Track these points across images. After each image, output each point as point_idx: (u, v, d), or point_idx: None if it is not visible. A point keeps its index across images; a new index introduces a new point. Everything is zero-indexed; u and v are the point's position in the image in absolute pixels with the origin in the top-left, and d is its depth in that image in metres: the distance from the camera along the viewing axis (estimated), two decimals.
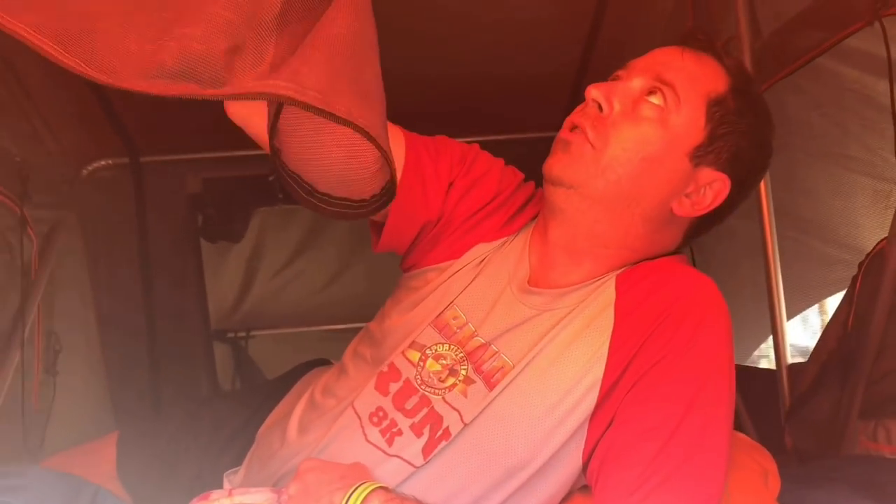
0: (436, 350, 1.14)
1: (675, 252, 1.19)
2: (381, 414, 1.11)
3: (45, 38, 0.70)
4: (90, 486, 1.07)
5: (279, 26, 0.80)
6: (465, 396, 1.09)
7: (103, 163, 2.29)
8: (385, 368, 1.15)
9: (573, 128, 1.12)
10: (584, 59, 2.08)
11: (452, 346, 1.14)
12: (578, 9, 1.92)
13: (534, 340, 1.10)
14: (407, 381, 1.13)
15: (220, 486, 1.24)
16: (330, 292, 3.00)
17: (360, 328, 1.34)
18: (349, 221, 2.58)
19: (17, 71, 1.73)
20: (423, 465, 1.07)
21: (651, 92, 1.11)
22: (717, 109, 1.10)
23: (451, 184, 1.25)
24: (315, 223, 2.88)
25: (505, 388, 1.08)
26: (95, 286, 2.26)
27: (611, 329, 1.07)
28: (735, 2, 1.64)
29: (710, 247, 2.07)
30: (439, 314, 1.17)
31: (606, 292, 1.11)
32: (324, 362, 1.48)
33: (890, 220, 1.38)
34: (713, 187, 1.12)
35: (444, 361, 1.13)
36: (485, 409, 1.07)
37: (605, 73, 1.21)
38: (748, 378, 1.69)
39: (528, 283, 1.16)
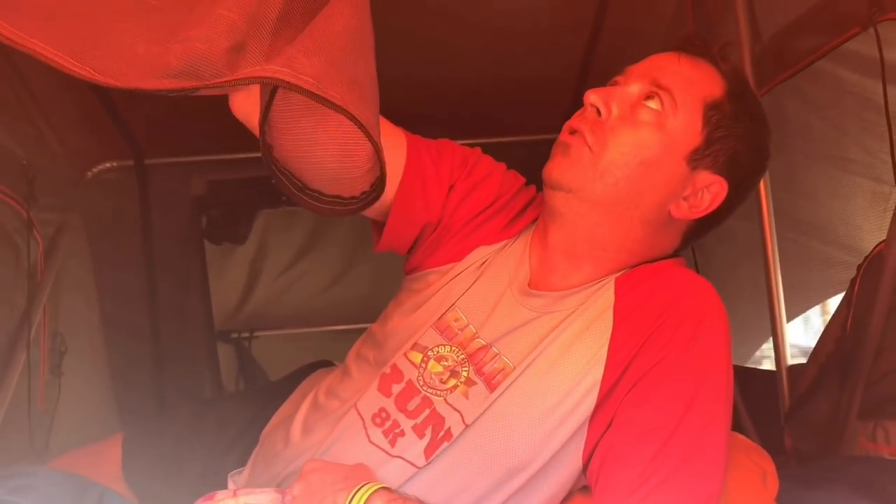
0: (437, 352, 1.15)
1: (674, 255, 1.21)
2: (383, 415, 1.12)
3: (61, 52, 0.72)
4: (97, 487, 1.08)
5: (280, 27, 0.82)
6: (467, 398, 1.10)
7: (108, 165, 2.30)
8: (387, 370, 1.17)
9: (572, 132, 1.13)
10: (585, 62, 2.09)
11: (454, 348, 1.15)
12: (579, 14, 1.93)
13: (534, 342, 1.11)
14: (409, 382, 1.14)
15: (225, 487, 1.25)
16: (333, 293, 3.00)
17: (363, 329, 1.35)
18: (354, 222, 2.59)
19: (23, 74, 1.74)
20: (425, 466, 1.08)
21: (648, 97, 1.12)
22: (713, 113, 1.11)
23: (451, 186, 1.26)
24: (318, 225, 2.89)
25: (506, 389, 1.09)
26: (100, 287, 2.27)
27: (610, 331, 1.08)
28: (735, 6, 1.65)
29: (711, 248, 2.08)
30: (441, 316, 1.18)
31: (606, 295, 1.12)
32: (327, 364, 1.49)
33: (888, 223, 1.39)
34: (711, 190, 1.13)
35: (445, 363, 1.14)
36: (486, 410, 1.08)
37: (606, 76, 1.22)
38: (748, 379, 1.70)
39: (529, 285, 1.17)
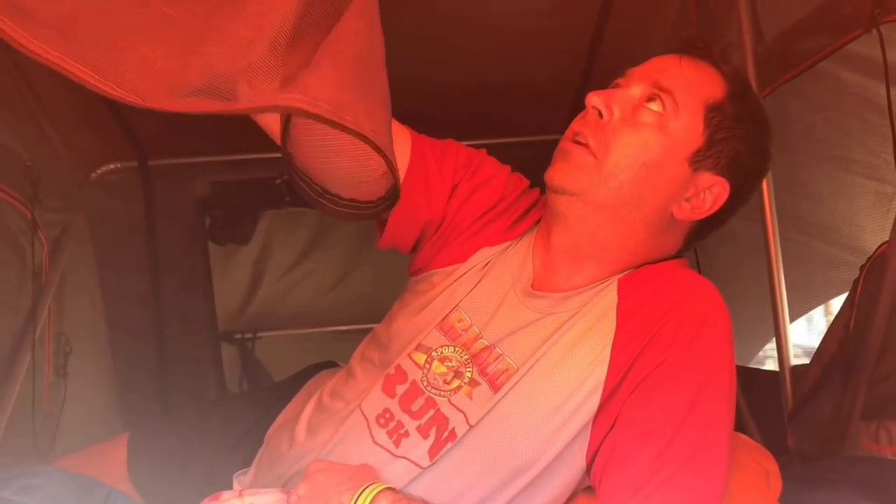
0: (441, 352, 1.16)
1: (677, 256, 1.21)
2: (387, 415, 1.13)
3: (83, 66, 0.73)
4: (103, 487, 1.08)
5: (293, 41, 0.83)
6: (471, 398, 1.11)
7: (112, 166, 2.31)
8: (392, 371, 1.17)
9: (575, 136, 1.14)
10: (587, 64, 2.10)
11: (458, 349, 1.16)
12: (582, 15, 1.93)
13: (538, 343, 1.11)
14: (413, 382, 1.15)
15: (230, 487, 1.25)
16: (337, 294, 3.01)
17: (366, 329, 1.36)
18: (356, 222, 2.60)
19: (28, 75, 1.75)
20: (429, 467, 1.08)
21: (650, 99, 1.12)
22: (714, 115, 1.12)
23: (455, 186, 1.26)
24: (322, 225, 2.90)
25: (510, 390, 1.09)
26: (104, 288, 2.28)
27: (613, 332, 1.09)
28: (737, 8, 1.65)
29: (713, 249, 2.08)
30: (445, 317, 1.19)
31: (609, 296, 1.13)
32: (331, 364, 1.50)
33: (891, 223, 1.39)
34: (713, 191, 1.13)
35: (449, 363, 1.15)
36: (490, 410, 1.09)
37: (608, 78, 1.22)
38: (751, 379, 1.70)
39: (532, 286, 1.18)
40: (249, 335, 2.96)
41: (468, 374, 1.13)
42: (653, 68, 1.16)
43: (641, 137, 1.10)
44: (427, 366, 1.15)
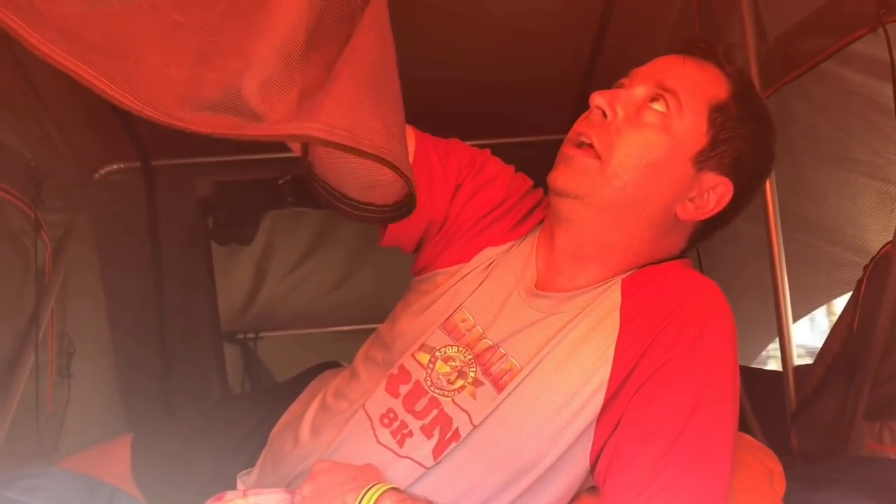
0: (445, 352, 1.16)
1: (680, 256, 1.21)
2: (391, 415, 1.13)
3: (99, 74, 0.73)
4: (107, 487, 1.08)
5: (306, 53, 0.84)
6: (474, 398, 1.11)
7: (115, 167, 2.31)
8: (395, 371, 1.17)
9: (579, 137, 1.14)
10: (590, 63, 2.10)
11: (461, 349, 1.16)
12: (585, 15, 1.93)
13: (541, 343, 1.11)
14: (417, 382, 1.15)
15: (234, 487, 1.26)
16: (339, 294, 3.01)
17: (368, 329, 1.36)
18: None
19: (31, 76, 1.75)
20: (433, 466, 1.09)
21: (654, 99, 1.12)
22: (718, 115, 1.12)
23: (458, 186, 1.26)
24: (324, 226, 2.90)
25: (513, 390, 1.09)
26: (107, 288, 2.28)
27: (617, 332, 1.09)
28: (740, 7, 1.65)
29: (716, 249, 2.08)
30: (448, 317, 1.19)
31: (612, 296, 1.13)
32: (335, 364, 1.50)
33: (895, 224, 1.39)
34: (716, 191, 1.13)
35: (453, 363, 1.15)
36: (493, 410, 1.09)
37: (611, 77, 1.22)
38: (754, 379, 1.71)
39: (536, 286, 1.18)
40: (252, 335, 2.96)
41: (472, 374, 1.13)
42: (656, 68, 1.16)
43: (645, 137, 1.10)
44: (431, 366, 1.15)
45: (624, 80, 1.18)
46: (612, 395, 1.06)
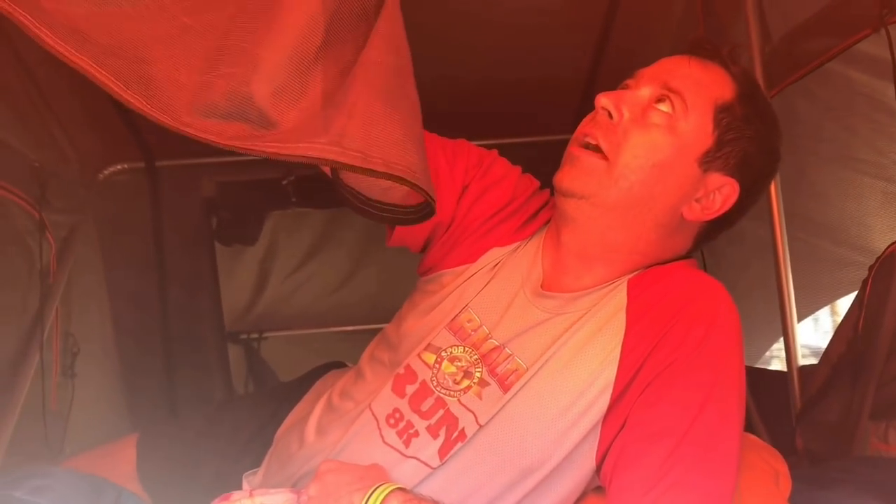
0: (451, 352, 1.16)
1: (686, 256, 1.21)
2: (397, 415, 1.13)
3: (113, 77, 0.73)
4: (113, 487, 1.09)
5: (319, 56, 0.84)
6: (480, 398, 1.11)
7: (119, 167, 2.31)
8: (401, 370, 1.17)
9: (585, 138, 1.14)
10: (594, 63, 2.10)
11: (467, 349, 1.16)
12: (589, 14, 1.93)
13: (547, 343, 1.11)
14: (423, 382, 1.15)
15: (240, 488, 1.26)
16: (342, 294, 3.01)
17: (372, 329, 1.36)
18: (355, 222, 2.59)
19: (36, 77, 1.76)
20: (439, 467, 1.09)
21: (659, 99, 1.12)
22: (724, 116, 1.12)
23: (465, 187, 1.26)
24: (327, 226, 2.90)
25: (519, 390, 1.09)
26: (111, 289, 2.28)
27: (623, 332, 1.09)
28: (745, 7, 1.65)
29: (721, 249, 2.07)
30: (454, 317, 1.19)
31: (618, 296, 1.13)
32: (339, 365, 1.50)
33: None
34: (722, 192, 1.13)
35: (459, 363, 1.15)
36: (499, 410, 1.09)
37: (615, 77, 1.23)
38: (759, 380, 1.70)
39: (542, 287, 1.18)
40: (255, 335, 2.97)
41: (478, 375, 1.13)
42: (662, 69, 1.16)
43: (651, 138, 1.10)
44: (437, 366, 1.15)
45: (629, 81, 1.18)
46: (618, 396, 1.06)
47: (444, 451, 1.09)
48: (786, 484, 1.18)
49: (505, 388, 1.10)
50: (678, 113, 1.11)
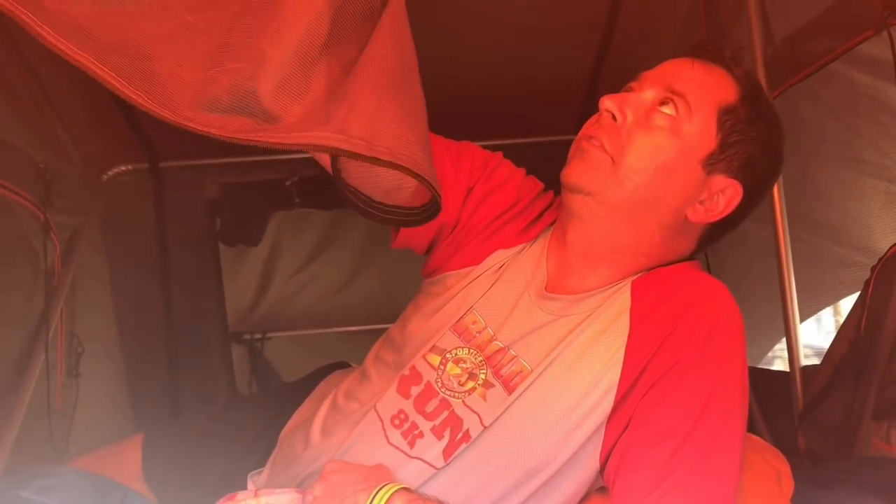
0: (456, 354, 1.17)
1: (689, 258, 1.22)
2: (402, 416, 1.14)
3: (115, 73, 0.73)
4: (119, 487, 1.09)
5: (323, 53, 0.84)
6: (485, 400, 1.11)
7: (123, 168, 2.32)
8: (406, 372, 1.18)
9: (589, 139, 1.14)
10: (597, 63, 2.10)
11: (472, 350, 1.16)
12: (591, 15, 1.94)
13: (551, 345, 1.12)
14: (428, 384, 1.15)
15: (245, 488, 1.26)
16: (345, 294, 3.01)
17: (375, 330, 1.37)
18: (359, 223, 2.59)
19: (40, 78, 1.76)
20: (443, 467, 1.09)
21: (663, 102, 1.13)
22: (727, 118, 1.12)
23: (470, 189, 1.27)
24: (331, 227, 2.91)
25: (524, 391, 1.10)
26: (115, 289, 2.29)
27: (627, 334, 1.09)
28: (747, 8, 1.66)
29: (724, 250, 2.07)
30: (459, 319, 1.19)
31: (622, 298, 1.13)
32: (343, 365, 1.51)
33: None
34: (726, 194, 1.14)
35: (463, 365, 1.15)
36: (504, 412, 1.09)
37: (618, 78, 1.23)
38: (762, 380, 1.70)
39: (546, 288, 1.18)
40: (259, 336, 2.97)
41: (482, 376, 1.14)
42: (665, 72, 1.16)
43: (655, 140, 1.11)
44: (441, 367, 1.16)
45: (633, 84, 1.18)
46: (622, 397, 1.06)
47: (448, 452, 1.10)
48: (788, 484, 1.18)
49: (509, 390, 1.11)
50: (682, 115, 1.12)
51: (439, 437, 1.11)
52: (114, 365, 2.24)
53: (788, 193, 1.66)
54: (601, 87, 1.70)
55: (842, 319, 1.53)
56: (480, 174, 1.27)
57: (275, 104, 0.81)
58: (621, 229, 1.14)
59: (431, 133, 1.24)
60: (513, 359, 1.13)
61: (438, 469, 1.09)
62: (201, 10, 0.83)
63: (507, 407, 1.09)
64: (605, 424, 1.07)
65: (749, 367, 1.11)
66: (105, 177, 2.30)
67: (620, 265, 1.16)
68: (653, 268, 1.17)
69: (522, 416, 1.09)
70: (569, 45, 2.04)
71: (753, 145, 1.14)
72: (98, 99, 1.98)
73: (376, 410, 1.16)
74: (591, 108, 1.19)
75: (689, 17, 1.88)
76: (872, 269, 1.45)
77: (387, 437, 1.13)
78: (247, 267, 2.91)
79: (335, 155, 0.91)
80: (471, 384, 1.13)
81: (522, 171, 1.32)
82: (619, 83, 1.21)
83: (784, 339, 1.70)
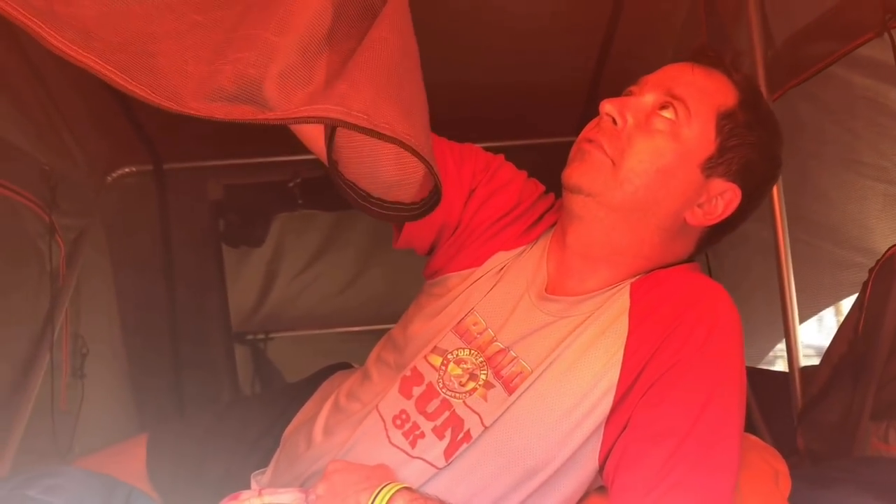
0: (457, 355, 1.18)
1: (688, 260, 1.22)
2: (404, 417, 1.15)
3: (118, 70, 0.74)
4: (124, 486, 1.10)
5: (326, 46, 0.85)
6: (486, 400, 1.13)
7: (127, 170, 2.34)
8: (408, 373, 1.19)
9: (589, 142, 1.15)
10: (598, 66, 2.10)
11: (473, 351, 1.17)
12: (592, 19, 1.94)
13: (551, 346, 1.13)
14: (429, 384, 1.16)
15: (248, 487, 1.27)
16: (348, 295, 3.02)
17: (377, 330, 1.37)
18: (362, 223, 2.59)
19: (45, 81, 1.77)
20: (445, 467, 1.10)
21: (663, 106, 1.14)
22: (726, 122, 1.13)
23: (472, 191, 1.28)
24: (334, 228, 2.91)
25: (524, 392, 1.11)
26: (119, 290, 2.30)
27: (625, 335, 1.10)
28: (747, 11, 1.66)
29: (723, 251, 2.08)
30: (460, 320, 1.20)
31: (621, 300, 1.14)
32: (345, 366, 1.52)
33: None
34: (724, 197, 1.15)
35: (464, 366, 1.16)
36: (504, 412, 1.10)
37: (618, 81, 1.24)
38: (761, 380, 1.71)
39: (546, 290, 1.19)
40: (262, 336, 2.98)
41: (483, 377, 1.15)
42: (665, 76, 1.17)
43: (655, 144, 1.12)
44: (443, 368, 1.17)
45: (633, 88, 1.19)
46: (621, 397, 1.07)
47: (449, 452, 1.11)
48: (785, 483, 1.19)
49: (510, 391, 1.12)
50: (681, 119, 1.13)
51: (440, 437, 1.12)
52: (118, 365, 2.25)
53: (788, 195, 1.66)
54: (602, 90, 1.71)
55: (842, 320, 1.54)
56: (483, 176, 1.28)
57: (278, 93, 0.82)
58: (621, 231, 1.15)
59: (434, 134, 1.26)
60: (513, 360, 1.14)
61: (440, 469, 1.10)
62: (207, 10, 0.85)
63: (508, 407, 1.11)
64: (604, 424, 1.08)
65: (748, 367, 1.12)
66: (109, 179, 2.31)
67: (620, 267, 1.17)
68: (652, 270, 1.18)
69: (523, 417, 1.10)
70: (570, 49, 2.04)
71: (752, 149, 1.15)
72: (102, 101, 1.99)
73: (378, 411, 1.17)
74: (591, 112, 1.20)
75: (689, 20, 1.88)
76: (870, 270, 1.46)
77: (388, 437, 1.14)
78: (250, 268, 2.92)
79: (336, 126, 0.89)
80: (472, 385, 1.15)
81: (524, 173, 1.33)
82: (619, 86, 1.22)
83: (784, 340, 1.70)
